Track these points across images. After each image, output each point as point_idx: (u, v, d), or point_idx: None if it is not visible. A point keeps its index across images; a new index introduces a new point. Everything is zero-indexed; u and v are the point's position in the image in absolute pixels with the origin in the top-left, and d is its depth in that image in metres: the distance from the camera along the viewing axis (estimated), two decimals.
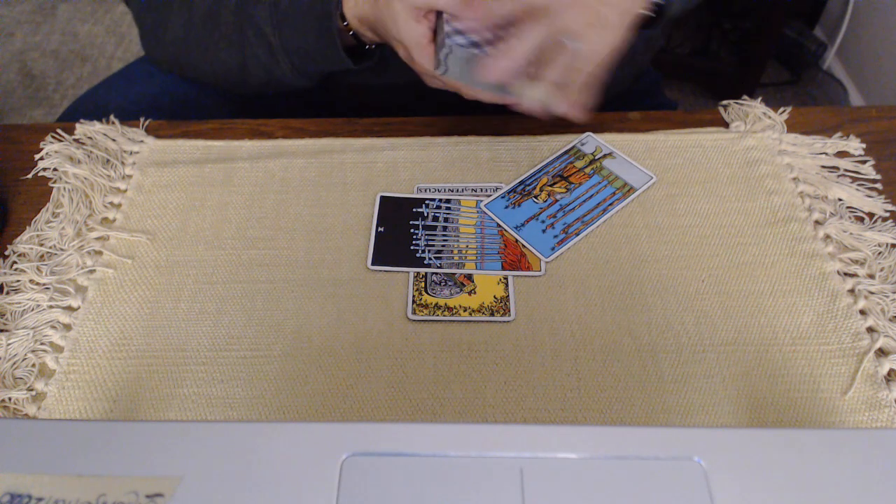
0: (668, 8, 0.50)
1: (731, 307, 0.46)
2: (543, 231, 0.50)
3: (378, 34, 0.52)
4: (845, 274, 0.47)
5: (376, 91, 0.66)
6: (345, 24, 0.53)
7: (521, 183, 0.54)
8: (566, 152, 0.56)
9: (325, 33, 0.52)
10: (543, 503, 0.26)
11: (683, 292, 0.47)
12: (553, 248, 0.49)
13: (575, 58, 0.43)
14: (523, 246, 0.49)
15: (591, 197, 0.52)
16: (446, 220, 0.51)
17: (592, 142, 0.56)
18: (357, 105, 0.69)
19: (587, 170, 0.54)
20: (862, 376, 0.42)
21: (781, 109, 0.58)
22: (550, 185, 0.53)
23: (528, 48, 0.42)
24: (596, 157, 0.55)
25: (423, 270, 0.48)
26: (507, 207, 0.52)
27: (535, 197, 0.53)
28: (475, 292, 0.47)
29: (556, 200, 0.52)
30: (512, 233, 0.50)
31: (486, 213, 0.52)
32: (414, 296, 0.47)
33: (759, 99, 0.59)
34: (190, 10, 0.58)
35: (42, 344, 0.45)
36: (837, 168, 0.54)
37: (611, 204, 0.52)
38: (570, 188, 0.53)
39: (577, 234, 0.50)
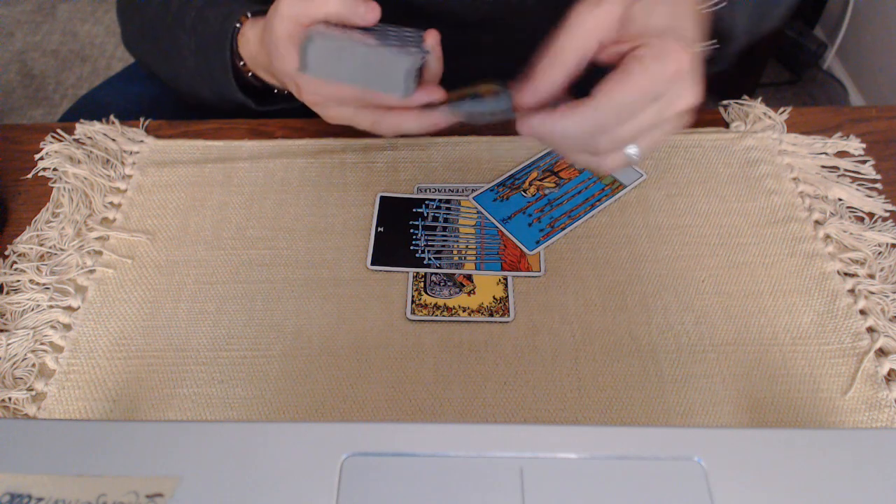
0: (731, 31, 0.46)
1: (731, 307, 0.46)
2: (529, 225, 0.50)
3: (273, 75, 0.50)
4: (845, 274, 0.47)
5: None
6: (242, 63, 0.52)
7: (510, 177, 0.54)
8: None
9: (223, 70, 0.51)
10: (543, 503, 0.26)
11: (683, 292, 0.47)
12: (538, 242, 0.49)
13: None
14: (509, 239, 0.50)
15: (579, 192, 0.53)
16: (446, 220, 0.51)
17: None
18: None
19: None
20: (862, 376, 0.42)
21: (781, 109, 0.58)
22: (540, 180, 0.53)
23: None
24: None
25: (422, 270, 0.48)
26: (495, 200, 0.52)
27: (524, 191, 0.53)
28: (474, 293, 0.47)
29: (545, 195, 0.52)
30: (498, 225, 0.50)
31: (477, 207, 0.52)
32: (413, 296, 0.47)
33: (759, 99, 0.59)
34: (142, 20, 0.58)
35: (42, 344, 0.45)
36: (837, 168, 0.54)
37: (599, 200, 0.52)
38: (560, 183, 0.53)
39: (563, 229, 0.50)
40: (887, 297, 0.46)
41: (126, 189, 0.54)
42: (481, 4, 0.58)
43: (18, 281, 0.48)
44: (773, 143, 0.56)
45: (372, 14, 0.42)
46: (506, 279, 0.48)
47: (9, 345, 0.44)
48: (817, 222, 0.50)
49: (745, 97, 0.59)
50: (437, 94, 0.43)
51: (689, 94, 0.37)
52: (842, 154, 0.55)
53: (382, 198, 0.53)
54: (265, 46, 0.46)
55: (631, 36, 0.37)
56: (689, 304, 0.46)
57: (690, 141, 0.56)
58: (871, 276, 0.47)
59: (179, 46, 0.54)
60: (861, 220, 0.51)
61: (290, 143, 0.57)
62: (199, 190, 0.54)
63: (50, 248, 0.50)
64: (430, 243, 0.50)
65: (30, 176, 0.55)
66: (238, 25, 0.50)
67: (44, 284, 0.48)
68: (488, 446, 0.28)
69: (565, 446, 0.28)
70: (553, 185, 0.53)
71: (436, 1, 0.58)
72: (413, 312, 0.46)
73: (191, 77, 0.55)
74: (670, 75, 0.36)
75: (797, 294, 0.46)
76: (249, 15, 0.50)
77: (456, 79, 0.64)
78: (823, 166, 0.54)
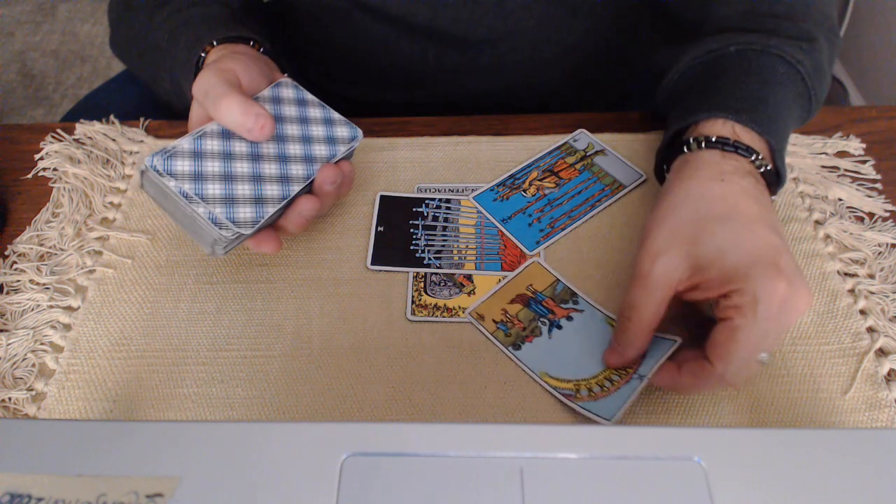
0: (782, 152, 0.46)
1: None
2: (530, 225, 0.50)
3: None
4: (845, 274, 0.47)
5: (373, 106, 0.66)
6: None
7: (510, 177, 0.54)
8: (558, 148, 0.56)
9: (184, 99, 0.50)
10: (543, 503, 0.26)
11: None
12: (538, 242, 0.49)
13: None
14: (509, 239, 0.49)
15: (579, 193, 0.53)
16: (446, 220, 0.51)
17: (585, 138, 0.56)
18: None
19: (577, 166, 0.54)
20: (862, 376, 0.42)
21: None
22: (540, 180, 0.53)
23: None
24: (587, 154, 0.55)
25: (422, 270, 0.48)
26: (495, 200, 0.52)
27: (524, 191, 0.53)
28: (474, 293, 0.47)
29: (545, 195, 0.52)
30: (498, 225, 0.50)
31: (478, 207, 0.52)
32: (413, 296, 0.47)
33: None
34: (129, 32, 0.59)
35: (42, 344, 0.45)
36: (837, 168, 0.54)
37: (599, 200, 0.52)
38: (560, 183, 0.53)
39: (563, 229, 0.50)
40: (887, 297, 0.46)
41: (126, 189, 0.54)
42: (480, 26, 0.58)
43: (18, 281, 0.48)
44: None
45: (261, 133, 0.43)
46: (506, 279, 0.47)
47: (9, 345, 0.44)
48: (817, 222, 0.50)
49: None
50: (269, 245, 0.44)
51: (802, 303, 0.37)
52: (842, 154, 0.55)
53: (382, 197, 0.53)
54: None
55: (714, 281, 0.38)
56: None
57: None
58: (871, 276, 0.47)
59: (157, 65, 0.55)
60: (861, 220, 0.51)
61: None
62: None
63: (50, 248, 0.50)
64: (430, 243, 0.50)
65: (30, 176, 0.55)
66: (203, 55, 0.50)
67: (44, 284, 0.48)
68: (488, 446, 0.28)
69: (565, 446, 0.28)
70: (553, 185, 0.53)
71: (436, 21, 0.58)
72: (413, 313, 0.46)
73: (169, 96, 0.56)
74: (776, 311, 0.36)
75: None
76: (216, 43, 0.50)
77: (456, 99, 0.65)
78: (823, 166, 0.54)
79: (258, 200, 0.42)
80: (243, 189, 0.42)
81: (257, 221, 0.42)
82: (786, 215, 0.51)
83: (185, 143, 0.42)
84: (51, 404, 0.42)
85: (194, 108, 0.46)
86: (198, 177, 0.42)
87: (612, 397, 0.40)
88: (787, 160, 0.54)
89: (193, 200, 0.41)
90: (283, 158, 0.44)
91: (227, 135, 0.43)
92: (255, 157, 0.44)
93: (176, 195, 0.41)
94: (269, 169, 0.43)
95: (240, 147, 0.43)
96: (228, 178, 0.42)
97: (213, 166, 0.42)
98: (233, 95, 0.42)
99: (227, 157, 0.43)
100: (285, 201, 0.43)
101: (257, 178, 0.43)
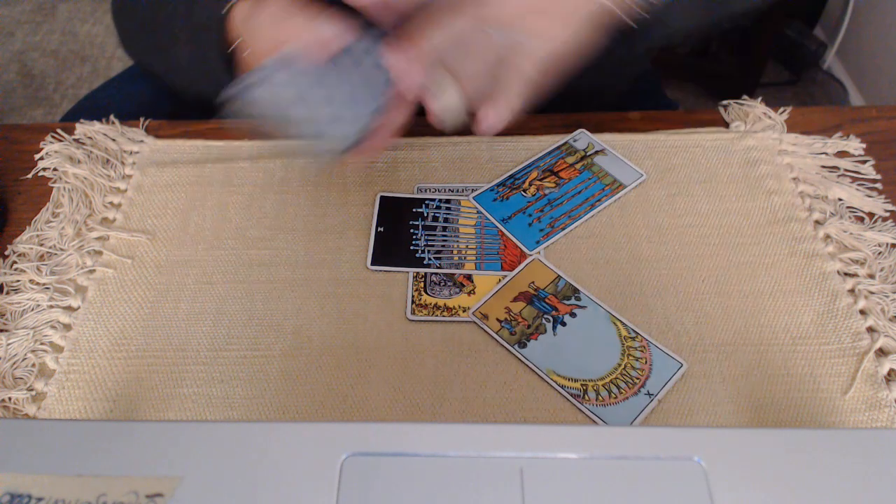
0: (665, 17, 0.45)
1: (730, 307, 0.46)
2: (530, 224, 0.50)
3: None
4: (845, 274, 0.47)
5: None
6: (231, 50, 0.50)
7: (510, 177, 0.54)
8: (558, 148, 0.56)
9: (216, 55, 0.48)
10: (543, 503, 0.26)
11: (683, 292, 0.47)
12: (538, 242, 0.49)
13: (509, 53, 0.38)
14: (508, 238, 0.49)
15: (579, 192, 0.53)
16: (446, 220, 0.51)
17: (585, 138, 0.56)
18: None
19: (577, 166, 0.54)
20: (862, 376, 0.42)
21: (781, 109, 0.58)
22: (540, 180, 0.53)
23: (441, 40, 0.38)
24: (587, 154, 0.55)
25: (422, 270, 0.48)
26: (495, 200, 0.52)
27: (524, 191, 0.53)
28: (474, 293, 0.47)
29: (545, 195, 0.52)
30: (498, 225, 0.50)
31: (478, 207, 0.52)
32: (413, 296, 0.47)
33: (760, 99, 0.59)
34: (137, 17, 0.58)
35: (42, 344, 0.45)
36: (837, 168, 0.54)
37: (599, 200, 0.52)
38: (560, 183, 0.53)
39: (564, 229, 0.50)
40: (887, 297, 0.46)
41: (126, 189, 0.54)
42: None
43: (18, 281, 0.48)
44: (773, 143, 0.56)
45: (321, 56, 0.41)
46: (506, 279, 0.47)
47: (9, 345, 0.44)
48: (817, 222, 0.50)
49: (745, 97, 0.59)
50: (376, 147, 0.43)
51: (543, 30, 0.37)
52: (842, 154, 0.55)
53: (382, 198, 0.53)
54: (246, 36, 0.45)
55: None
56: (689, 304, 0.46)
57: (690, 141, 0.56)
58: (871, 276, 0.47)
59: (174, 37, 0.54)
60: (861, 220, 0.51)
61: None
62: (199, 190, 0.54)
63: (50, 248, 0.50)
64: (430, 243, 0.50)
65: (30, 176, 0.55)
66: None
67: (44, 284, 0.48)
68: (488, 446, 0.28)
69: (565, 446, 0.28)
70: (553, 185, 0.53)
71: None
72: (413, 312, 0.46)
73: (187, 68, 0.55)
74: None
75: (797, 294, 0.46)
76: None
77: None
78: (823, 166, 0.54)
79: (357, 106, 0.42)
80: (342, 97, 0.41)
81: (368, 122, 0.41)
82: (786, 215, 0.51)
83: (280, 59, 0.40)
84: (51, 404, 0.42)
85: (261, 42, 0.44)
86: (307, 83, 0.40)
87: (621, 407, 0.41)
88: (787, 160, 0.54)
89: (316, 104, 0.39)
90: (365, 81, 0.43)
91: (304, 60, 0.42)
92: (339, 77, 0.42)
93: (299, 98, 0.39)
94: (356, 84, 0.42)
95: (320, 71, 0.42)
96: (329, 88, 0.41)
97: (309, 80, 0.41)
98: None
99: (318, 73, 0.42)
100: (379, 107, 0.42)
101: (350, 88, 0.42)
